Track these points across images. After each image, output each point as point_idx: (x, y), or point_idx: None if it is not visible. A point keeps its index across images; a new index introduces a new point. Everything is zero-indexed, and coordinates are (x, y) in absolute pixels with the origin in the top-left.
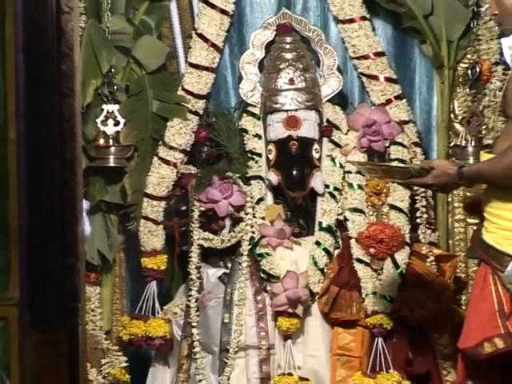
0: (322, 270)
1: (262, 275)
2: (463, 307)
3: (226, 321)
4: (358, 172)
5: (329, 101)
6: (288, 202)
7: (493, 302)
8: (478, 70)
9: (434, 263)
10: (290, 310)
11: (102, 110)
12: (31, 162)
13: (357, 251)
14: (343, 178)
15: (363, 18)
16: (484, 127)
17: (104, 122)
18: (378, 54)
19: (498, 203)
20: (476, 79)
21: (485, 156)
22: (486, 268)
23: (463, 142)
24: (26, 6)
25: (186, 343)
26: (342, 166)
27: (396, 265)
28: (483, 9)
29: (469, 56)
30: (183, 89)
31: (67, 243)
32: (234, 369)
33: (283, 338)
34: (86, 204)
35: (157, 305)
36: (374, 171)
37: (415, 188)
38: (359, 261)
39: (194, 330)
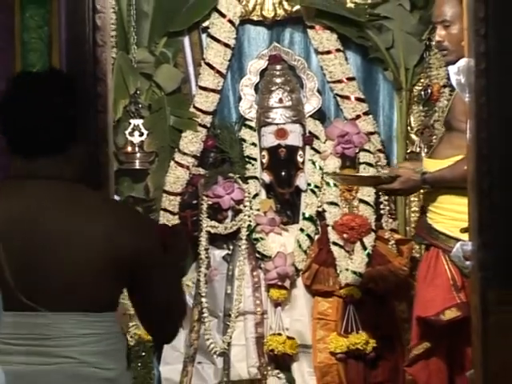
0: (305, 251)
1: (257, 255)
2: None
3: (228, 292)
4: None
5: (310, 116)
6: (278, 197)
7: (448, 278)
8: (429, 91)
9: (394, 246)
10: (279, 283)
11: (130, 123)
12: None
13: (333, 236)
14: (322, 177)
15: (338, 50)
16: (434, 137)
17: (131, 133)
18: (350, 79)
19: (445, 198)
20: (428, 99)
21: (427, 161)
22: (437, 251)
23: (418, 149)
24: (69, 40)
25: (197, 310)
26: (321, 168)
27: (364, 247)
28: (433, 42)
29: (422, 80)
30: (194, 107)
31: None
32: (234, 330)
33: (274, 306)
34: (116, 198)
35: None
36: (349, 180)
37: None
38: (335, 244)
39: (203, 299)
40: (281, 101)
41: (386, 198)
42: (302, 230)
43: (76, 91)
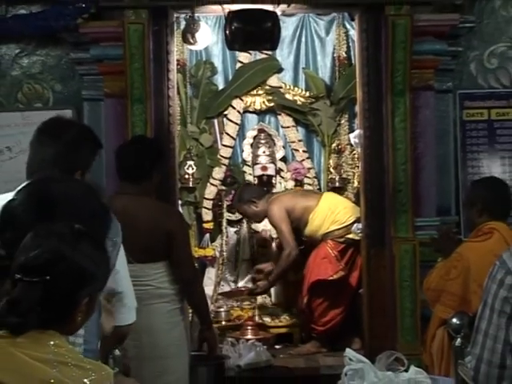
0: None
1: (252, 230)
2: None
3: (237, 249)
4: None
5: (279, 159)
6: None
7: (332, 256)
8: (339, 147)
9: None
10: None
11: (187, 163)
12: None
13: None
14: (285, 190)
15: (293, 126)
16: (342, 170)
17: (187, 168)
18: (299, 141)
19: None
20: (339, 151)
21: None
22: (322, 245)
23: (333, 176)
24: (164, 122)
25: (221, 257)
26: (285, 187)
27: None
28: (342, 121)
29: (336, 142)
30: (220, 155)
31: None
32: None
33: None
34: (180, 202)
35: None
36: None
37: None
38: None
39: (224, 253)
40: (264, 152)
41: None
42: None
43: (152, 152)
